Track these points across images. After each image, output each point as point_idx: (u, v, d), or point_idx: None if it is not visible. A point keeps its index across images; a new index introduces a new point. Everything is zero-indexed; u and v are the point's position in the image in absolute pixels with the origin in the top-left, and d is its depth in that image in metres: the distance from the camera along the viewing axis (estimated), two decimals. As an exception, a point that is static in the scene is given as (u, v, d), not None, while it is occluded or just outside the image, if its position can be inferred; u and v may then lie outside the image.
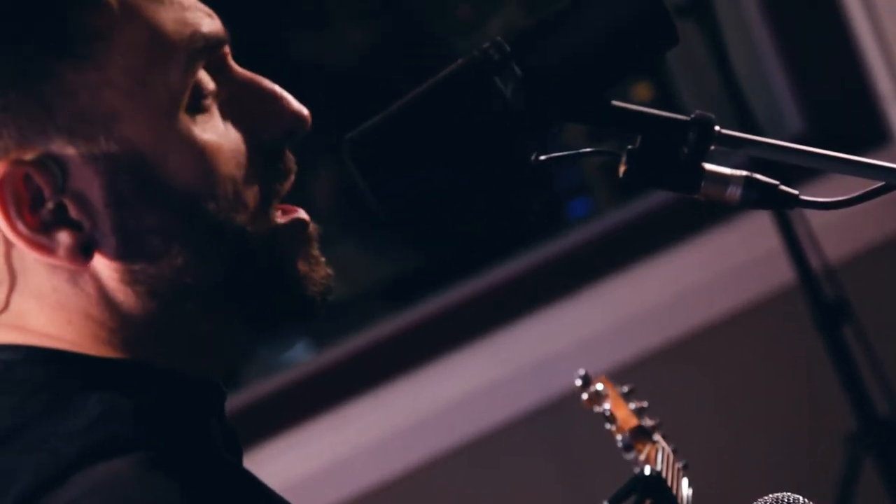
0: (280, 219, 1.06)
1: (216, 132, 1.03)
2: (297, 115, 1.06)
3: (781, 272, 2.58)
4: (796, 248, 2.48)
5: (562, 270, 2.80)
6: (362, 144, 1.03)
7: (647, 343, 2.72)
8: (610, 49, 1.03)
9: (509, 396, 2.71)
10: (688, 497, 1.46)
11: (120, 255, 1.01)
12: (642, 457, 1.52)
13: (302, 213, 1.08)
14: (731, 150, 1.06)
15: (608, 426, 1.58)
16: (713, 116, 1.05)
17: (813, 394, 2.73)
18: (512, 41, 1.03)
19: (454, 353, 2.74)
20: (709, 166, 1.05)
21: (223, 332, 1.06)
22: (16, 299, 1.03)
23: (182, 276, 1.02)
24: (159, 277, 1.02)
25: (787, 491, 1.19)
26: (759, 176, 1.06)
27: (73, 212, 1.00)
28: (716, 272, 2.74)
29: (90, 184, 1.00)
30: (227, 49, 1.06)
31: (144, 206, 1.00)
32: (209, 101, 1.03)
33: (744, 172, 1.06)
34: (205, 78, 1.03)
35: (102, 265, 1.02)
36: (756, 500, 1.16)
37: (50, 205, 1.00)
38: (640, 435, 1.55)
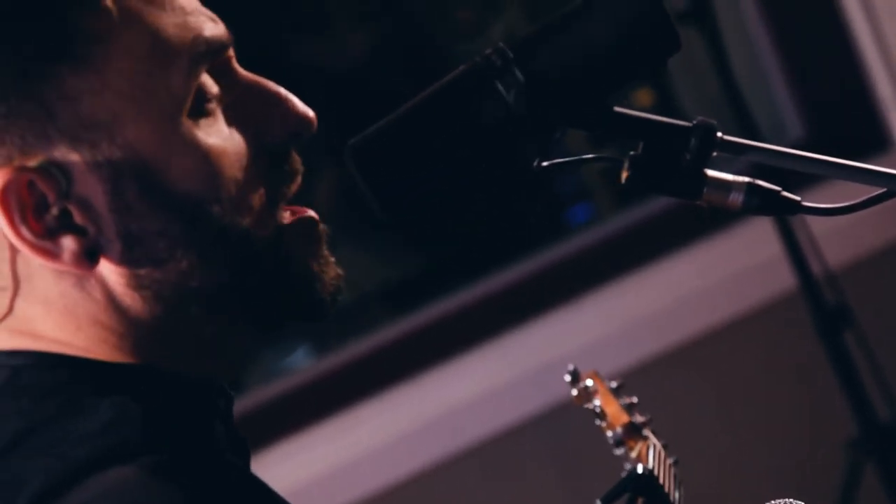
0: (287, 219, 1.06)
1: (220, 136, 1.03)
2: (302, 117, 1.06)
3: (782, 278, 2.58)
4: (797, 254, 2.48)
5: (563, 276, 2.79)
6: (365, 150, 1.03)
7: (649, 349, 2.72)
8: (612, 55, 1.03)
9: (511, 402, 2.70)
10: (680, 494, 1.46)
11: (125, 259, 1.01)
12: (633, 453, 1.51)
13: (311, 213, 1.08)
14: (731, 157, 1.06)
15: (598, 422, 1.57)
16: (715, 122, 1.05)
17: (814, 399, 2.73)
18: (514, 47, 1.03)
19: (455, 358, 2.74)
20: (711, 172, 1.05)
21: (229, 334, 1.06)
22: (20, 304, 1.03)
23: (187, 280, 1.02)
24: (165, 281, 1.02)
25: (788, 497, 1.19)
26: (761, 182, 1.06)
27: (77, 217, 1.00)
28: (717, 278, 2.74)
29: (94, 189, 1.00)
30: (231, 53, 1.06)
31: (149, 211, 1.00)
32: (213, 105, 1.03)
33: (746, 179, 1.06)
34: (208, 82, 1.03)
35: (108, 270, 1.02)
36: (758, 507, 1.16)
37: (54, 210, 1.00)
38: (631, 431, 1.54)
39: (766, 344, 2.75)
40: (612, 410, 1.56)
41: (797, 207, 1.07)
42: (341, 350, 2.79)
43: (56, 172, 0.99)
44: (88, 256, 1.01)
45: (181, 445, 0.99)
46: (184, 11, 1.02)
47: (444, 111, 1.03)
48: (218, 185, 1.02)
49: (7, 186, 0.99)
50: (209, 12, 1.04)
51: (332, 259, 1.08)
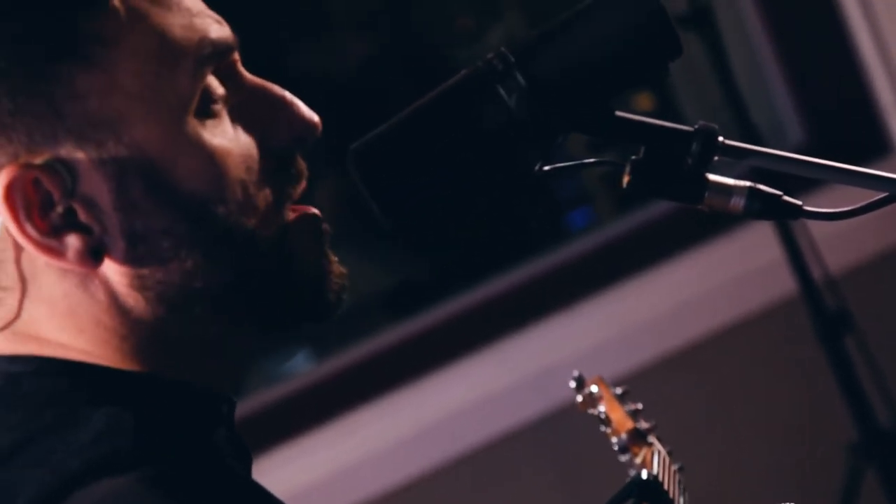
0: (290, 217, 1.06)
1: (226, 137, 1.03)
2: (307, 122, 1.06)
3: (783, 283, 2.58)
4: (798, 258, 2.48)
5: (563, 281, 2.79)
6: (367, 154, 1.03)
7: (649, 353, 2.72)
8: (614, 59, 1.03)
9: (511, 406, 2.70)
10: (685, 500, 1.46)
11: (129, 258, 1.01)
12: (638, 459, 1.51)
13: (314, 210, 1.08)
14: (732, 161, 1.06)
15: (603, 428, 1.57)
16: (717, 127, 1.05)
17: (814, 404, 2.73)
18: (516, 51, 1.03)
19: (455, 363, 2.74)
20: (712, 177, 1.05)
21: (233, 335, 1.06)
22: (27, 306, 1.03)
23: (192, 281, 1.02)
24: (169, 282, 1.02)
25: (789, 501, 1.19)
26: (762, 187, 1.06)
27: (82, 215, 1.00)
28: (717, 283, 2.74)
29: (99, 188, 1.00)
30: (236, 56, 1.06)
31: (154, 210, 1.00)
32: (219, 107, 1.03)
33: (747, 183, 1.06)
34: (214, 83, 1.03)
35: (112, 270, 1.02)
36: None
37: (59, 208, 1.00)
38: (636, 437, 1.54)
39: (767, 349, 2.75)
40: (616, 416, 1.56)
41: (798, 212, 1.07)
42: (341, 354, 2.79)
43: (62, 170, 0.99)
44: (93, 255, 1.01)
45: (179, 453, 0.99)
46: (190, 13, 1.02)
47: (446, 116, 1.03)
48: (223, 186, 1.02)
49: (12, 183, 0.99)
50: (215, 14, 1.04)
51: (336, 258, 1.08)
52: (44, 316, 1.03)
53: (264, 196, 1.04)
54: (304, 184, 1.07)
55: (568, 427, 2.65)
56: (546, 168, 1.06)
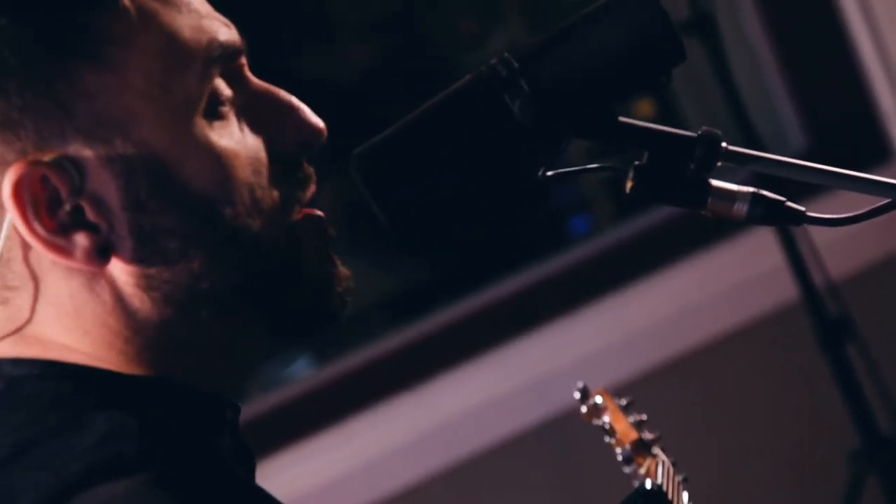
0: (296, 218, 1.06)
1: (233, 139, 1.03)
2: (313, 128, 1.07)
3: (784, 289, 2.58)
4: (799, 264, 2.48)
5: (564, 287, 2.79)
6: (370, 159, 1.03)
7: (649, 360, 2.72)
8: (617, 65, 1.03)
9: (511, 412, 2.70)
10: None
11: (136, 258, 1.01)
12: (642, 470, 1.51)
13: (318, 212, 1.07)
14: (734, 167, 1.06)
15: (608, 439, 1.57)
16: (720, 133, 1.05)
17: (816, 411, 2.72)
18: (520, 56, 1.03)
19: (456, 368, 2.74)
20: (715, 182, 1.05)
21: (239, 338, 1.06)
22: (36, 308, 1.02)
23: (198, 282, 1.02)
24: (175, 282, 1.02)
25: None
26: (765, 192, 1.06)
27: (90, 214, 1.00)
28: (718, 289, 2.74)
29: (107, 186, 1.00)
30: (243, 59, 1.06)
31: (161, 210, 1.00)
32: (226, 109, 1.04)
33: (750, 189, 1.06)
34: (221, 85, 1.03)
35: (119, 270, 1.02)
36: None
37: (67, 206, 1.00)
38: (640, 448, 1.54)
39: (768, 355, 2.75)
40: (621, 427, 1.56)
41: (801, 218, 1.07)
42: (342, 360, 2.79)
43: (70, 168, 0.99)
44: (100, 253, 1.01)
45: (183, 457, 0.98)
46: (199, 15, 1.03)
47: (450, 120, 1.03)
48: (230, 188, 1.02)
49: (21, 181, 0.99)
50: (223, 17, 1.05)
51: (340, 260, 1.08)
52: (49, 317, 1.03)
53: (271, 199, 1.04)
54: (312, 188, 1.07)
55: (569, 433, 2.65)
56: (549, 173, 1.06)
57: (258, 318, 1.05)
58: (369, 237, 2.78)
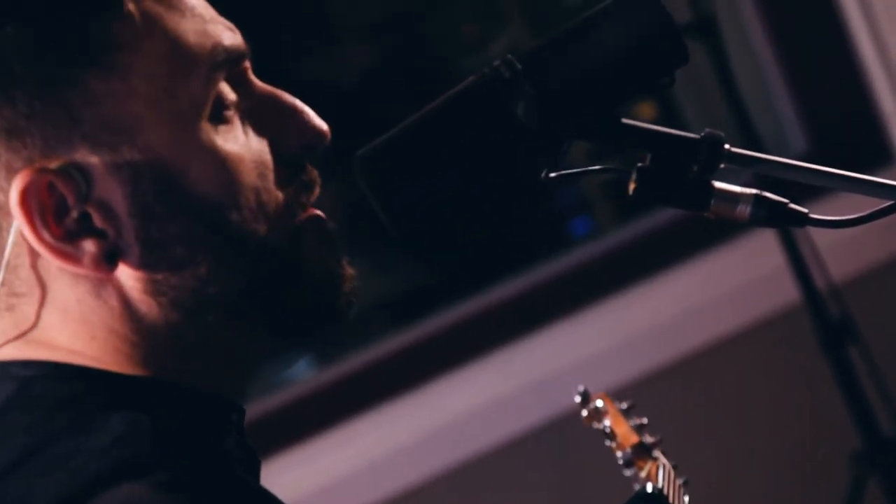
0: (300, 220, 1.06)
1: (238, 143, 1.03)
2: (317, 130, 1.07)
3: (786, 291, 2.58)
4: (801, 266, 2.48)
5: (564, 289, 2.79)
6: (374, 160, 1.03)
7: (650, 362, 2.71)
8: (620, 67, 1.03)
9: (512, 414, 2.70)
10: None
11: (143, 264, 1.01)
12: (643, 474, 1.51)
13: (317, 211, 1.07)
14: (737, 169, 1.06)
15: (608, 443, 1.57)
16: (723, 134, 1.05)
17: (817, 413, 2.72)
18: (523, 58, 1.03)
19: (457, 370, 2.73)
20: (718, 184, 1.05)
21: (246, 341, 1.06)
22: (42, 314, 1.03)
23: (205, 287, 1.02)
24: (182, 288, 1.02)
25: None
26: (768, 194, 1.06)
27: (97, 220, 1.00)
28: (720, 291, 2.74)
29: (114, 192, 1.00)
30: (247, 63, 1.06)
31: (168, 215, 1.01)
32: (231, 113, 1.04)
33: (753, 190, 1.06)
34: (226, 90, 1.04)
35: (126, 276, 1.02)
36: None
37: (74, 213, 1.00)
38: (641, 451, 1.54)
39: (769, 357, 2.75)
40: (622, 431, 1.56)
41: (804, 219, 1.07)
42: (343, 361, 2.79)
43: (76, 175, 1.00)
44: (108, 260, 1.01)
45: (193, 461, 0.99)
46: (203, 19, 1.03)
47: (453, 122, 1.03)
48: (236, 192, 1.02)
49: (28, 188, 0.99)
50: (227, 22, 1.05)
51: (345, 259, 1.08)
52: (56, 322, 1.03)
53: (276, 202, 1.04)
54: (317, 191, 1.07)
55: (569, 436, 2.65)
56: (552, 175, 1.06)
57: (264, 321, 1.06)
58: (370, 238, 2.79)
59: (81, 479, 0.96)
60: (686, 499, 1.48)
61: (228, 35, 1.04)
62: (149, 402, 1.01)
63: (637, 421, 1.59)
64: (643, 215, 2.84)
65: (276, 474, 2.64)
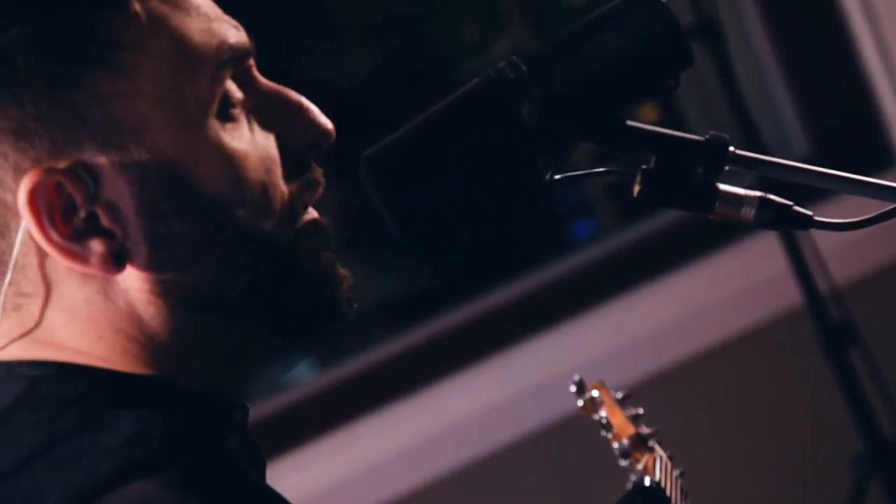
0: (302, 219, 1.06)
1: (245, 140, 1.04)
2: (322, 128, 1.07)
3: (788, 294, 2.58)
4: (803, 269, 2.48)
5: (566, 292, 2.79)
6: (380, 162, 1.03)
7: (652, 365, 2.71)
8: (625, 69, 1.03)
9: (514, 417, 2.70)
10: None
11: (151, 264, 1.01)
12: (640, 465, 1.51)
13: (315, 213, 1.07)
14: (740, 171, 1.06)
15: (604, 433, 1.57)
16: (727, 137, 1.05)
17: (819, 416, 2.72)
18: (527, 60, 1.03)
19: (458, 373, 2.73)
20: (723, 186, 1.05)
21: (249, 341, 1.06)
22: (47, 313, 1.03)
23: (210, 286, 1.02)
24: (188, 287, 1.02)
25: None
26: (772, 196, 1.06)
27: (105, 220, 1.00)
28: (722, 294, 2.74)
29: (121, 192, 1.00)
30: (252, 61, 1.06)
31: (175, 214, 1.01)
32: (237, 111, 1.04)
33: (758, 193, 1.05)
34: (232, 88, 1.04)
35: (133, 276, 1.02)
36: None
37: (82, 213, 1.00)
38: (638, 443, 1.54)
39: (771, 360, 2.75)
40: (618, 421, 1.56)
41: (809, 222, 1.06)
42: (343, 364, 2.79)
43: (84, 175, 1.00)
44: (115, 260, 1.01)
45: (201, 460, 0.99)
46: (208, 18, 1.03)
47: (458, 124, 1.03)
48: (243, 189, 1.02)
49: (36, 188, 0.99)
50: (232, 20, 1.05)
51: (341, 260, 1.09)
52: (63, 322, 1.03)
53: (282, 197, 1.05)
54: (320, 191, 1.07)
55: (571, 437, 2.65)
56: (557, 177, 1.06)
57: (264, 321, 1.06)
58: (372, 240, 2.78)
59: (93, 478, 0.96)
60: (682, 489, 1.48)
61: (233, 33, 1.04)
62: (155, 402, 1.01)
63: (633, 411, 1.58)
64: (645, 218, 2.84)
65: (277, 477, 2.63)
